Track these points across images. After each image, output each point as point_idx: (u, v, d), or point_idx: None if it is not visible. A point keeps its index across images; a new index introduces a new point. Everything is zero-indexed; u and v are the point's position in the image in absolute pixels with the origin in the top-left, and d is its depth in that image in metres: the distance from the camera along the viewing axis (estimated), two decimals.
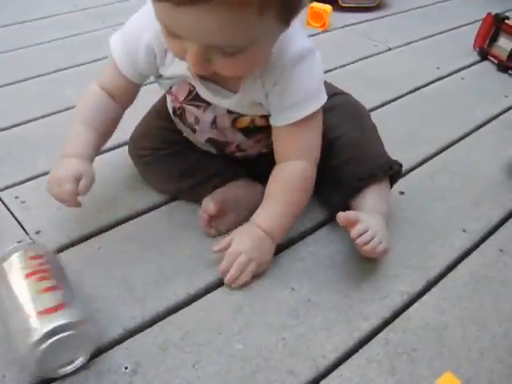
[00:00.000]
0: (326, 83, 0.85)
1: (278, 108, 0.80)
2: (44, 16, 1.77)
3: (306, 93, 0.79)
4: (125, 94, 0.88)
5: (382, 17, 1.91)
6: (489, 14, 1.67)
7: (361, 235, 0.78)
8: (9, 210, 0.94)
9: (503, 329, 0.78)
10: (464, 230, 0.94)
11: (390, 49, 1.64)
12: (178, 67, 0.80)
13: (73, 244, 0.87)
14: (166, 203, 0.96)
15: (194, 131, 0.91)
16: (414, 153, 1.13)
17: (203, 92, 0.81)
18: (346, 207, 0.87)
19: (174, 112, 0.92)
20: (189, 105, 0.86)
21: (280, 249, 0.87)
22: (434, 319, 0.79)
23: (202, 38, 0.63)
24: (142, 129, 0.99)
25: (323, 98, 0.81)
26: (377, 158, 0.90)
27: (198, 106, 0.85)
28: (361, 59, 1.55)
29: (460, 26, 1.88)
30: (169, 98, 0.93)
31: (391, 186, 0.92)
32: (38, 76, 1.38)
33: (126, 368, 0.69)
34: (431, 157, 1.14)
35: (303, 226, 0.93)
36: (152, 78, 0.88)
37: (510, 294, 0.84)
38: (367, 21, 1.85)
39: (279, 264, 0.85)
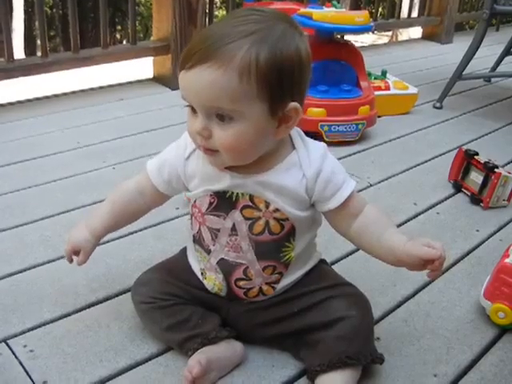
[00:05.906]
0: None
1: (327, 193, 0.96)
2: (46, 154, 1.85)
3: (343, 176, 0.97)
4: (153, 200, 1.08)
5: (365, 149, 2.05)
6: (460, 149, 1.80)
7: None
8: (17, 358, 1.01)
9: None
10: (435, 375, 1.01)
11: (370, 185, 1.75)
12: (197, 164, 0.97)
13: None
14: (162, 353, 1.04)
15: (209, 252, 1.00)
16: (392, 296, 1.22)
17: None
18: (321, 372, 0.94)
19: (194, 239, 1.03)
20: (210, 214, 0.97)
21: None
22: None
23: (200, 96, 0.84)
24: (146, 276, 1.08)
25: (353, 181, 0.99)
26: (367, 346, 0.97)
27: (218, 216, 0.97)
28: None
29: (436, 156, 2.02)
30: (189, 226, 1.04)
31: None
32: (42, 219, 1.45)
33: None
34: (406, 299, 1.22)
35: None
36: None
37: None
38: (350, 155, 1.99)
39: None
